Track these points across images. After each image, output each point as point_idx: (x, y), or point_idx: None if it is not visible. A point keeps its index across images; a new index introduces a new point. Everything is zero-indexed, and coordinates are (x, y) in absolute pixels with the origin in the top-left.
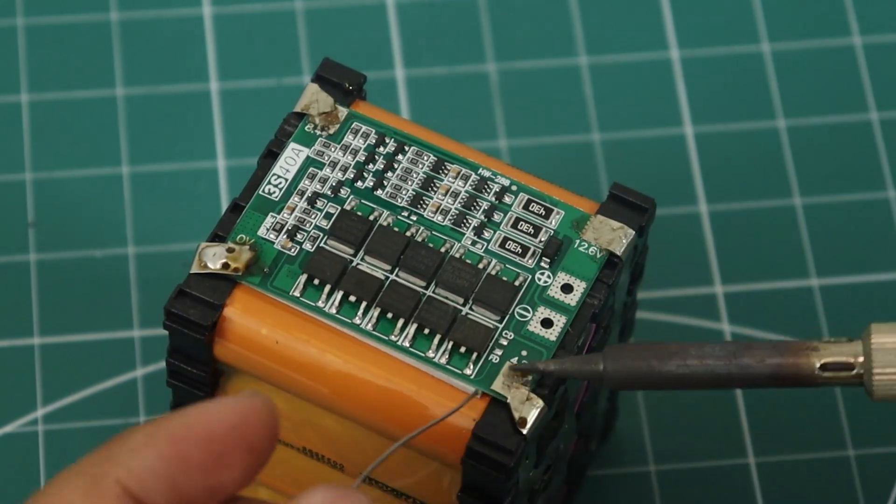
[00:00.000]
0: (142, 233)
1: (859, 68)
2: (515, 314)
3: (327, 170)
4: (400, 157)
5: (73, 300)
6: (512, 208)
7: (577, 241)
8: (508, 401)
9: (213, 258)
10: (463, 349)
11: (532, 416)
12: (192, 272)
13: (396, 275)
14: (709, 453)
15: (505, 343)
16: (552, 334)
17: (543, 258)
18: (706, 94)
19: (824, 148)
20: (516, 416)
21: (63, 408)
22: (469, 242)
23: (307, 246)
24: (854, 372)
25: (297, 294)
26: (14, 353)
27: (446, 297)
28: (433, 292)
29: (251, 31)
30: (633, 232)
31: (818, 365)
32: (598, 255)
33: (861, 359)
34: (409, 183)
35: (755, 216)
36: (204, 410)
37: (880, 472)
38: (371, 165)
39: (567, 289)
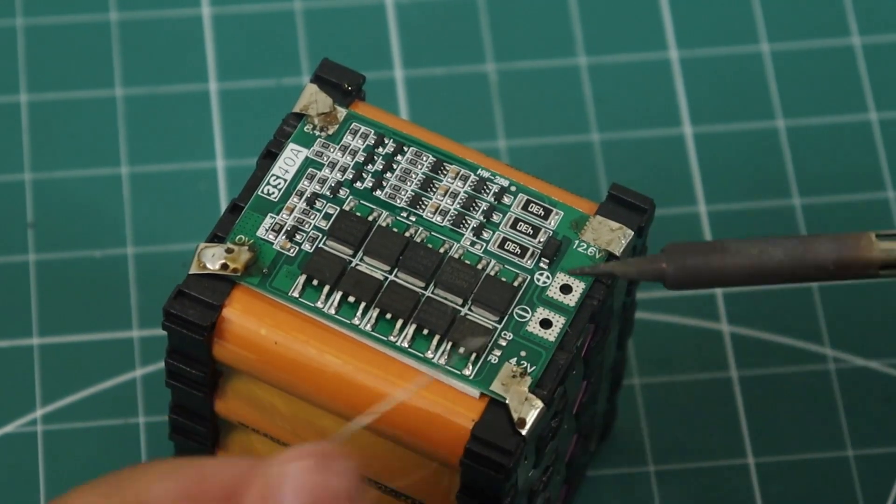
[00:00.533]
0: (141, 233)
1: (859, 68)
2: (514, 315)
3: (326, 170)
4: (399, 157)
5: (72, 300)
6: (511, 209)
7: (576, 242)
8: (507, 401)
9: (212, 259)
10: (462, 350)
11: (531, 417)
12: (190, 273)
13: (395, 275)
14: (709, 453)
15: (504, 344)
16: (551, 335)
17: (542, 259)
18: (705, 95)
19: (824, 148)
20: (515, 416)
21: (62, 408)
22: (468, 243)
23: (306, 246)
24: None
25: (296, 295)
26: (13, 353)
27: (445, 298)
28: (432, 293)
29: (251, 31)
30: (632, 232)
31: (881, 250)
32: (597, 256)
33: None
34: (408, 183)
35: (755, 216)
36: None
37: (880, 472)
38: (370, 166)
39: (566, 289)
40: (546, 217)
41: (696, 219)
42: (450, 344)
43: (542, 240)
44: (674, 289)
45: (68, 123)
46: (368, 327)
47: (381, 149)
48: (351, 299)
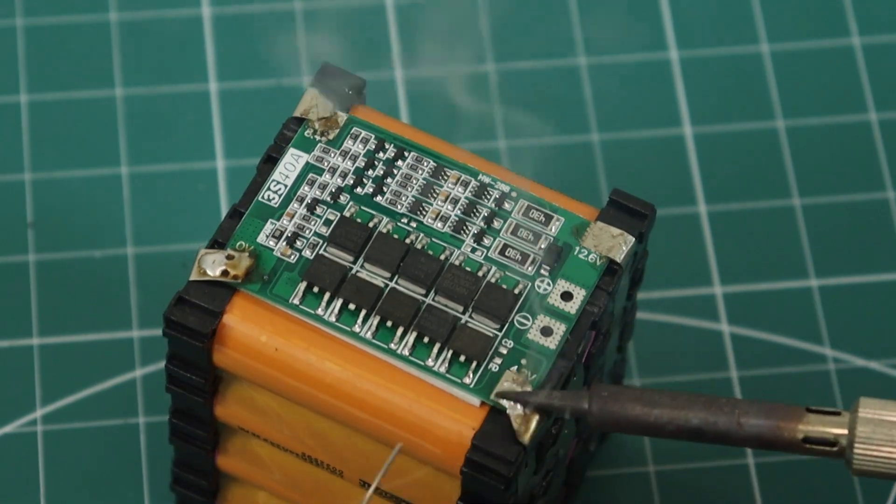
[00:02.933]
0: (141, 233)
1: (858, 69)
2: (515, 322)
3: (327, 176)
4: (399, 162)
5: (72, 300)
6: (512, 215)
7: (577, 248)
8: (508, 410)
9: (213, 265)
10: (462, 358)
11: (531, 426)
12: (191, 279)
13: (396, 282)
14: (708, 453)
15: (504, 351)
16: (552, 342)
17: (543, 265)
18: (705, 95)
19: (824, 148)
20: (516, 425)
21: (62, 408)
22: (469, 249)
23: (307, 253)
24: (836, 448)
25: (296, 302)
26: (13, 353)
27: (446, 305)
28: (433, 300)
29: (251, 31)
30: (633, 239)
31: (801, 437)
32: (598, 263)
33: (845, 432)
34: (409, 189)
35: (755, 216)
36: None
37: None
38: (370, 171)
39: (567, 296)
40: (547, 223)
41: (696, 219)
42: (450, 352)
43: (542, 246)
44: (595, 428)
45: (68, 123)
46: (369, 335)
47: (381, 154)
48: (351, 306)
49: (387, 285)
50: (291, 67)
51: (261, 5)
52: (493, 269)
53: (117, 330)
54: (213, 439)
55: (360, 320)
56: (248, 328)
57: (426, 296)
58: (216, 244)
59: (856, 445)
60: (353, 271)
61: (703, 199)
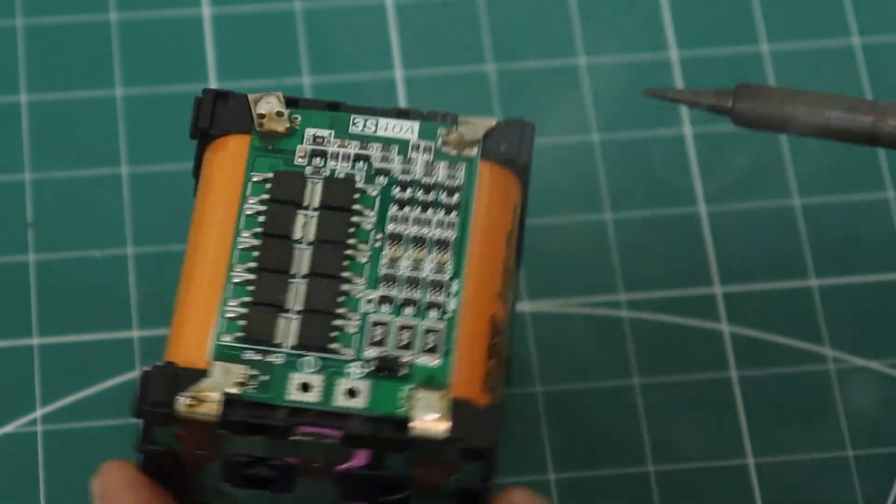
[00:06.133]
0: (142, 233)
1: (859, 69)
2: (305, 357)
3: (391, 156)
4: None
5: (72, 300)
6: (424, 321)
7: (409, 387)
8: (211, 374)
9: (265, 105)
10: (245, 323)
11: (197, 409)
12: (251, 96)
13: (305, 240)
14: (709, 453)
15: (277, 360)
16: (306, 396)
17: (380, 364)
18: None
19: (824, 148)
20: (182, 400)
21: (62, 408)
22: (368, 297)
23: (309, 171)
24: None
25: (255, 179)
26: (13, 353)
27: (295, 290)
28: (297, 278)
29: (251, 31)
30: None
31: None
32: (405, 414)
33: None
34: (418, 227)
35: (755, 216)
36: None
37: (880, 472)
38: (427, 178)
39: (352, 393)
40: (432, 352)
41: (696, 219)
42: (247, 311)
43: (402, 358)
44: (738, 125)
45: (68, 123)
46: (239, 239)
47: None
48: (262, 219)
49: (297, 239)
50: (291, 67)
51: (261, 5)
52: (353, 321)
53: (117, 330)
54: None
55: (250, 234)
56: (224, 152)
57: (299, 275)
58: (293, 102)
59: None
60: (304, 202)
61: (703, 199)
